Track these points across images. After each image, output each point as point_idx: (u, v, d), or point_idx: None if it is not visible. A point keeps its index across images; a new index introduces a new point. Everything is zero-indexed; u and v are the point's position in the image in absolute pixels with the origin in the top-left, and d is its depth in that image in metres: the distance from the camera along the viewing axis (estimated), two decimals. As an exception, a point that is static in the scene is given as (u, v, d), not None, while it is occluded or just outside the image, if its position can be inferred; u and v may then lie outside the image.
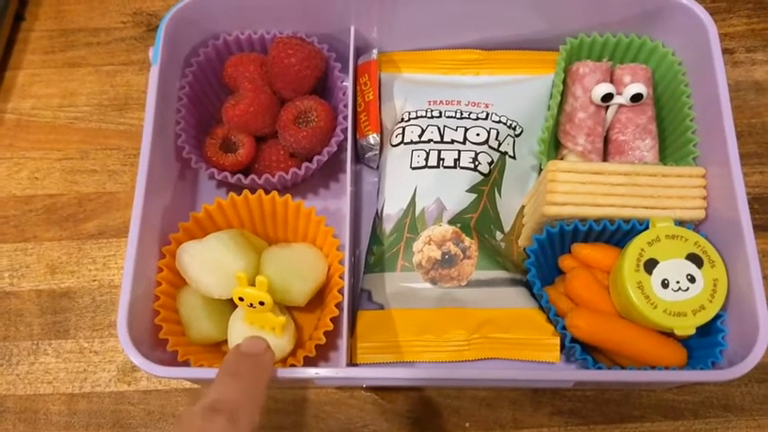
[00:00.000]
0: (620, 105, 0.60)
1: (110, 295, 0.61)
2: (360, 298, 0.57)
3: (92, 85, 0.70)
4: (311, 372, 0.47)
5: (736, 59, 0.70)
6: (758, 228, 0.63)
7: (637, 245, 0.51)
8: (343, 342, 0.52)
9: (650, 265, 0.51)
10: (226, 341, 0.55)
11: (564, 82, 0.61)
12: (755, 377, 0.58)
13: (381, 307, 0.56)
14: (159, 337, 0.52)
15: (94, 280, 0.62)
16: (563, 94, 0.61)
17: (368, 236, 0.60)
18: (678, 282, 0.50)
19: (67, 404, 0.58)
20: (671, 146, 0.61)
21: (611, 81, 0.60)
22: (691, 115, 0.58)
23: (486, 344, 0.54)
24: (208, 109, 0.63)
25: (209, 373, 0.49)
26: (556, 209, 0.53)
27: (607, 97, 0.58)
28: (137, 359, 0.47)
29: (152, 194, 0.53)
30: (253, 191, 0.56)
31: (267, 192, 0.56)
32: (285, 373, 0.48)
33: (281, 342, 0.53)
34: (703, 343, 0.53)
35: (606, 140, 0.61)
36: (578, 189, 0.54)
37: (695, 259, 0.51)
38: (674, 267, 0.51)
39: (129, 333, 0.48)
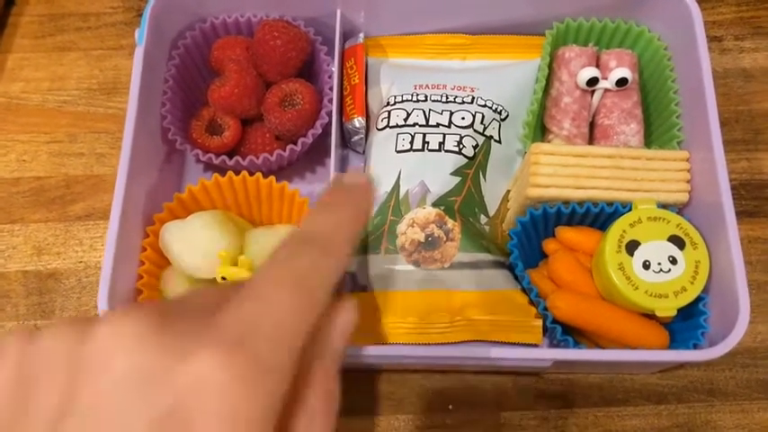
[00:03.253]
0: (606, 90, 0.60)
1: (96, 276, 0.61)
2: (344, 281, 0.57)
3: (81, 69, 0.70)
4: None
5: (724, 47, 0.70)
6: (744, 213, 0.63)
7: (619, 226, 0.51)
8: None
9: (632, 247, 0.51)
10: (209, 322, 0.55)
11: (550, 67, 0.61)
12: (740, 362, 0.58)
13: (365, 289, 0.56)
14: (142, 316, 0.52)
15: (81, 261, 0.62)
16: (549, 79, 0.61)
17: (353, 219, 0.60)
18: (660, 263, 0.50)
19: (52, 384, 0.58)
20: (656, 130, 0.61)
21: (597, 66, 0.60)
22: (676, 100, 0.58)
23: (469, 326, 0.54)
24: (194, 91, 0.63)
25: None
26: (539, 191, 0.53)
27: (592, 81, 0.58)
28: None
29: (136, 174, 0.54)
30: (237, 172, 0.56)
31: (252, 174, 0.56)
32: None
33: (263, 322, 0.53)
34: (686, 326, 0.53)
35: (592, 125, 0.61)
36: (561, 171, 0.54)
37: (677, 241, 0.51)
38: (655, 249, 0.51)
39: (110, 306, 0.48)
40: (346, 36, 0.64)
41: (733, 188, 0.62)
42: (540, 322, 0.54)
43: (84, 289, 0.61)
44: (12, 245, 0.63)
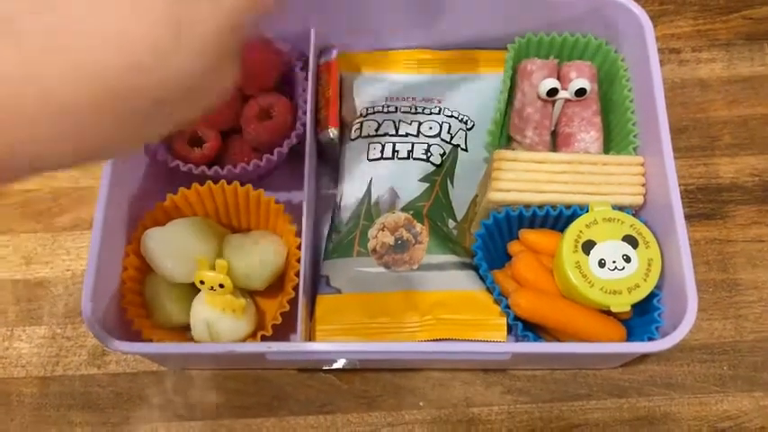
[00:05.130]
0: (567, 100, 0.63)
1: (82, 284, 0.63)
2: (319, 283, 0.60)
3: (68, 86, 0.73)
4: (263, 346, 0.50)
5: (682, 58, 0.73)
6: (702, 216, 0.66)
7: (575, 227, 0.54)
8: (299, 323, 0.54)
9: (588, 246, 0.54)
10: (189, 326, 0.57)
11: (512, 79, 0.64)
12: (697, 357, 0.61)
13: (339, 291, 0.59)
14: (125, 319, 0.54)
15: (68, 270, 0.65)
16: (512, 91, 0.65)
17: (327, 225, 0.63)
18: (614, 261, 0.53)
19: (39, 387, 0.60)
20: (615, 138, 0.64)
21: (558, 78, 0.63)
22: (631, 108, 0.61)
23: (438, 325, 0.57)
24: (175, 106, 0.66)
25: (170, 347, 0.52)
26: (500, 195, 0.56)
27: (552, 92, 0.62)
28: (99, 334, 0.49)
29: (119, 184, 0.56)
30: (217, 182, 0.59)
31: (230, 183, 0.59)
32: (241, 347, 0.51)
33: (241, 323, 0.56)
34: (641, 321, 0.55)
35: (554, 133, 0.64)
36: (522, 177, 0.57)
37: (631, 240, 0.54)
38: (610, 248, 0.54)
39: (93, 311, 0.50)
40: (321, 52, 0.67)
41: (690, 192, 0.66)
42: (504, 320, 0.57)
43: (71, 296, 0.64)
44: (1, 255, 0.65)
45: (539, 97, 0.63)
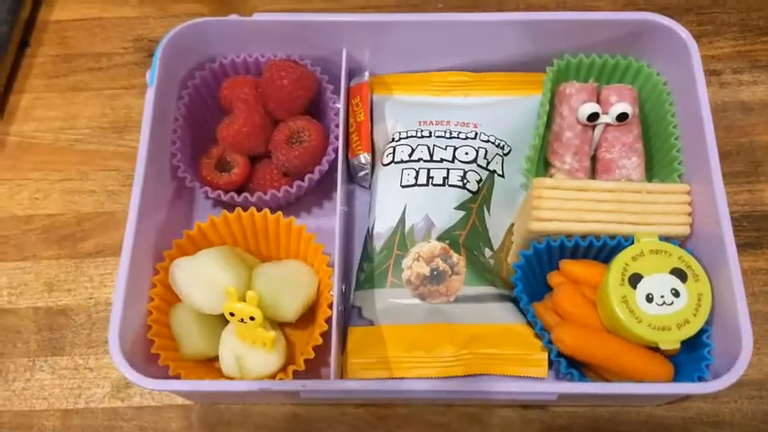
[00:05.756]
0: (607, 125, 0.61)
1: (106, 312, 0.62)
2: (351, 315, 0.58)
3: (93, 108, 0.71)
4: (298, 384, 0.48)
5: (723, 80, 0.71)
6: (748, 245, 0.63)
7: (621, 259, 0.52)
8: (332, 358, 0.52)
9: (635, 280, 0.51)
10: (217, 357, 0.55)
11: (551, 102, 0.62)
12: (746, 394, 0.58)
13: (371, 323, 0.56)
14: (151, 351, 0.52)
15: (91, 297, 0.63)
16: (550, 115, 0.62)
17: (359, 254, 0.61)
18: (663, 296, 0.51)
19: (62, 420, 0.58)
20: (657, 164, 0.62)
21: (598, 101, 0.61)
22: (675, 134, 0.59)
23: (475, 359, 0.55)
24: (204, 129, 0.64)
25: (199, 385, 0.50)
26: (541, 224, 0.54)
27: (593, 116, 0.60)
28: (126, 371, 0.48)
29: (146, 212, 0.55)
30: (246, 209, 0.57)
31: (260, 209, 0.57)
32: (273, 385, 0.48)
33: (271, 357, 0.54)
34: (690, 358, 0.53)
35: (593, 159, 0.62)
36: (564, 205, 0.55)
37: (679, 274, 0.52)
38: (658, 282, 0.52)
39: (120, 345, 0.49)
40: (352, 74, 0.65)
41: (735, 220, 0.63)
42: (545, 355, 0.54)
43: (94, 325, 0.62)
44: (23, 281, 0.64)
45: (578, 122, 0.60)
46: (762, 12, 0.74)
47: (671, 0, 0.75)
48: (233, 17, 0.62)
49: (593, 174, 0.62)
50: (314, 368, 0.56)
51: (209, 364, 0.57)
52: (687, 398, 0.58)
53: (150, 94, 0.58)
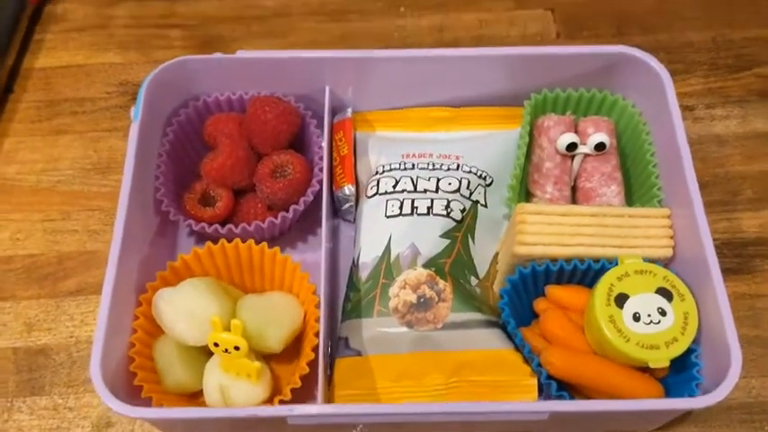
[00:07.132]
0: (586, 155, 0.62)
1: (86, 351, 0.61)
2: (337, 345, 0.57)
3: (76, 150, 0.72)
4: (285, 409, 0.47)
5: (696, 115, 0.73)
6: (729, 271, 0.64)
7: (607, 280, 0.52)
8: (319, 386, 0.51)
9: (621, 300, 0.52)
10: (201, 391, 0.54)
11: (530, 135, 0.64)
12: (736, 417, 0.58)
13: (359, 353, 0.56)
14: (134, 384, 0.51)
15: (71, 336, 0.62)
16: (530, 147, 0.64)
17: (345, 287, 0.60)
18: (650, 315, 0.51)
19: (39, 462, 0.56)
20: (637, 191, 0.63)
21: (576, 133, 0.63)
22: (653, 161, 0.60)
23: (464, 387, 0.54)
24: (187, 166, 0.64)
25: (184, 412, 0.49)
26: (526, 248, 0.55)
27: (572, 146, 0.61)
28: (108, 399, 0.46)
29: (129, 244, 0.54)
30: (230, 241, 0.57)
31: (244, 241, 0.57)
32: (260, 411, 0.47)
33: (256, 389, 0.53)
34: (679, 379, 0.53)
35: (574, 188, 0.63)
36: (546, 230, 0.55)
37: (665, 293, 0.52)
38: (644, 301, 0.52)
39: (102, 375, 0.47)
40: (335, 111, 0.66)
41: (716, 247, 0.63)
42: (535, 380, 0.54)
43: (74, 364, 0.60)
44: (2, 322, 0.62)
45: (557, 152, 0.62)
46: (729, 51, 0.77)
47: (642, 40, 0.77)
48: (217, 55, 0.63)
49: (573, 202, 0.63)
50: (300, 399, 0.55)
51: (193, 399, 0.55)
52: (679, 422, 0.57)
53: (134, 128, 0.58)
